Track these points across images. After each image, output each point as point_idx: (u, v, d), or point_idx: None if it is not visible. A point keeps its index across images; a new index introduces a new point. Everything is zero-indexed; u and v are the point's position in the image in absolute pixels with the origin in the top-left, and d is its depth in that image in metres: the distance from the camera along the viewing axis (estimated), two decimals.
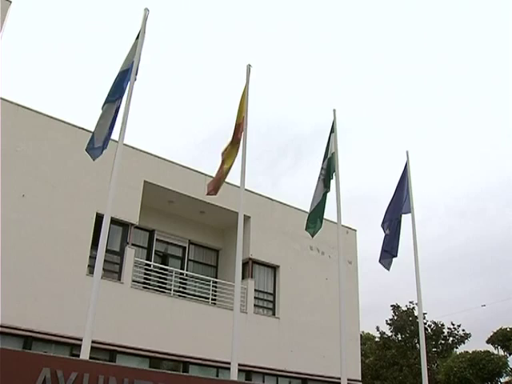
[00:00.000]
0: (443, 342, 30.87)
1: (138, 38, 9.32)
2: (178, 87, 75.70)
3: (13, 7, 11.75)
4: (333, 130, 11.47)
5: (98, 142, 8.62)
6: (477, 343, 34.06)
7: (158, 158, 15.20)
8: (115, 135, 8.80)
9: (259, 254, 16.46)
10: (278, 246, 17.04)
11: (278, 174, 71.83)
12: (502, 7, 56.96)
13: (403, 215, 11.91)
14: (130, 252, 13.84)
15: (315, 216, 10.75)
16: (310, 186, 11.09)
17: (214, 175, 10.60)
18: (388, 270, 11.37)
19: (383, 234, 11.65)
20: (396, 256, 11.45)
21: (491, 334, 30.62)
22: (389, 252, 11.43)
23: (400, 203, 11.89)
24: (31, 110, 13.06)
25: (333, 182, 10.97)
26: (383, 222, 11.78)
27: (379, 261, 11.48)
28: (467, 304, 51.30)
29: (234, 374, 8.04)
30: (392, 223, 11.67)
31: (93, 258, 11.44)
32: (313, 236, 10.89)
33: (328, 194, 10.85)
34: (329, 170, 10.98)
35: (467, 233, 63.80)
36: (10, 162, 12.04)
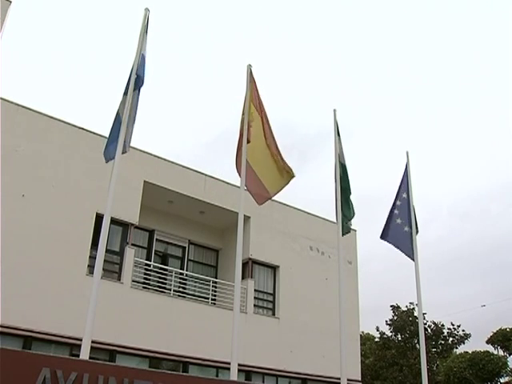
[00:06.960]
0: (443, 342, 30.86)
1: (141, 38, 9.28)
2: (181, 88, 75.64)
3: (13, 7, 11.76)
4: (337, 132, 11.37)
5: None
6: (477, 343, 34.05)
7: (158, 157, 15.20)
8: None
9: (259, 254, 16.46)
10: (277, 246, 17.04)
11: None
12: (502, 7, 57.01)
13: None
14: (129, 252, 13.84)
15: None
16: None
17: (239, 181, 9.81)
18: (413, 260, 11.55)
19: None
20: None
21: (491, 334, 30.63)
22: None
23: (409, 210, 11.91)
24: (31, 109, 13.07)
25: (333, 183, 10.98)
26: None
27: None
28: (467, 304, 51.42)
29: (233, 374, 8.03)
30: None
31: (93, 257, 11.46)
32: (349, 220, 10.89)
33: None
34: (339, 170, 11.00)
35: (469, 234, 63.86)
36: (10, 161, 12.05)
